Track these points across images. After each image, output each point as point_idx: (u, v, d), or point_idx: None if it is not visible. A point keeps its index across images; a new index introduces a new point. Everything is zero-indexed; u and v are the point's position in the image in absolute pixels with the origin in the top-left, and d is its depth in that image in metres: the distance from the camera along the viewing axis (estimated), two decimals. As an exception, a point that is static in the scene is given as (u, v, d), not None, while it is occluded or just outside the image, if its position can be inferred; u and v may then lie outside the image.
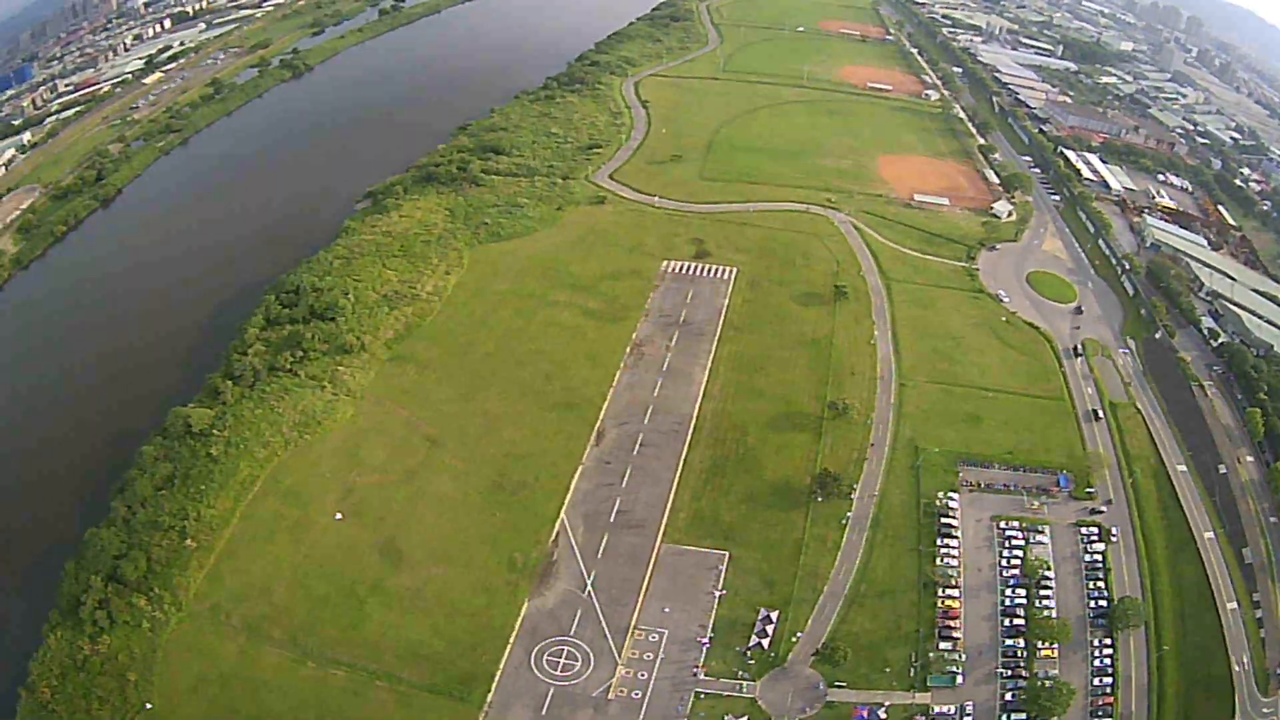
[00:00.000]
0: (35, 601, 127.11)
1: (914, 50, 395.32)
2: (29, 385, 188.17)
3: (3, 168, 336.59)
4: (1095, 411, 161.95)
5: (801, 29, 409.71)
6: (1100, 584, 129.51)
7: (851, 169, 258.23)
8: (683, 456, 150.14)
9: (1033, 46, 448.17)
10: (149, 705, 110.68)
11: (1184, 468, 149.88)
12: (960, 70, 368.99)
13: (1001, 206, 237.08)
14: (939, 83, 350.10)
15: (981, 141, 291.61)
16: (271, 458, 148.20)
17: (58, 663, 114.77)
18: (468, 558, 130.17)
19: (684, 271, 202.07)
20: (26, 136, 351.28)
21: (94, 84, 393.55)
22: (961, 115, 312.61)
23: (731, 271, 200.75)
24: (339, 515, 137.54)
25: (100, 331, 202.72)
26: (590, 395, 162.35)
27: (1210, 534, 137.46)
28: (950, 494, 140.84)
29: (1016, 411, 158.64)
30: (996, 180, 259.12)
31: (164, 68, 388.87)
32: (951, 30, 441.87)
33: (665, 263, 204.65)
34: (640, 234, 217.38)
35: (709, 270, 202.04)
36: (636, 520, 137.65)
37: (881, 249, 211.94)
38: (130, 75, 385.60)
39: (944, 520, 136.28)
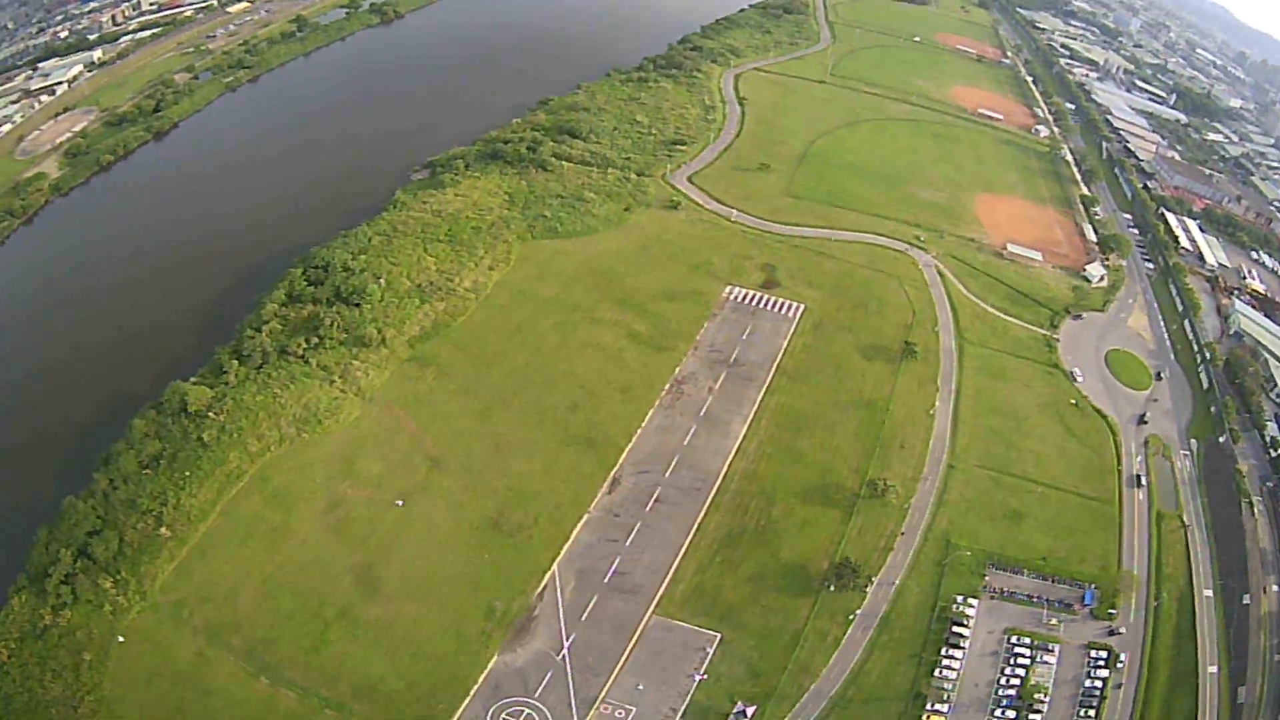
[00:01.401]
0: (9, 555, 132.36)
1: (1029, 78, 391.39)
2: (40, 321, 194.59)
3: (66, 84, 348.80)
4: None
5: (918, 39, 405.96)
6: (1092, 713, 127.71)
7: (947, 204, 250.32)
8: (698, 520, 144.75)
9: (1146, 91, 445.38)
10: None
11: (1210, 593, 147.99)
12: (1073, 107, 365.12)
13: (1095, 269, 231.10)
14: (1050, 118, 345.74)
15: (1085, 192, 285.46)
16: (264, 452, 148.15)
17: (17, 626, 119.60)
18: (445, 597, 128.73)
19: (747, 301, 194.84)
20: (98, 54, 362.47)
21: (177, 6, 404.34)
22: (1069, 158, 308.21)
23: (798, 309, 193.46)
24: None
25: (121, 277, 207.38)
26: (614, 434, 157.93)
27: (1214, 668, 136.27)
28: (970, 599, 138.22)
29: (1062, 512, 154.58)
30: (1094, 238, 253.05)
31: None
32: (1069, 62, 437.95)
33: (729, 288, 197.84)
34: (709, 250, 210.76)
35: (774, 304, 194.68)
36: (632, 585, 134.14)
37: (963, 303, 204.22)
38: (215, 1, 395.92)
39: (955, 629, 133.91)
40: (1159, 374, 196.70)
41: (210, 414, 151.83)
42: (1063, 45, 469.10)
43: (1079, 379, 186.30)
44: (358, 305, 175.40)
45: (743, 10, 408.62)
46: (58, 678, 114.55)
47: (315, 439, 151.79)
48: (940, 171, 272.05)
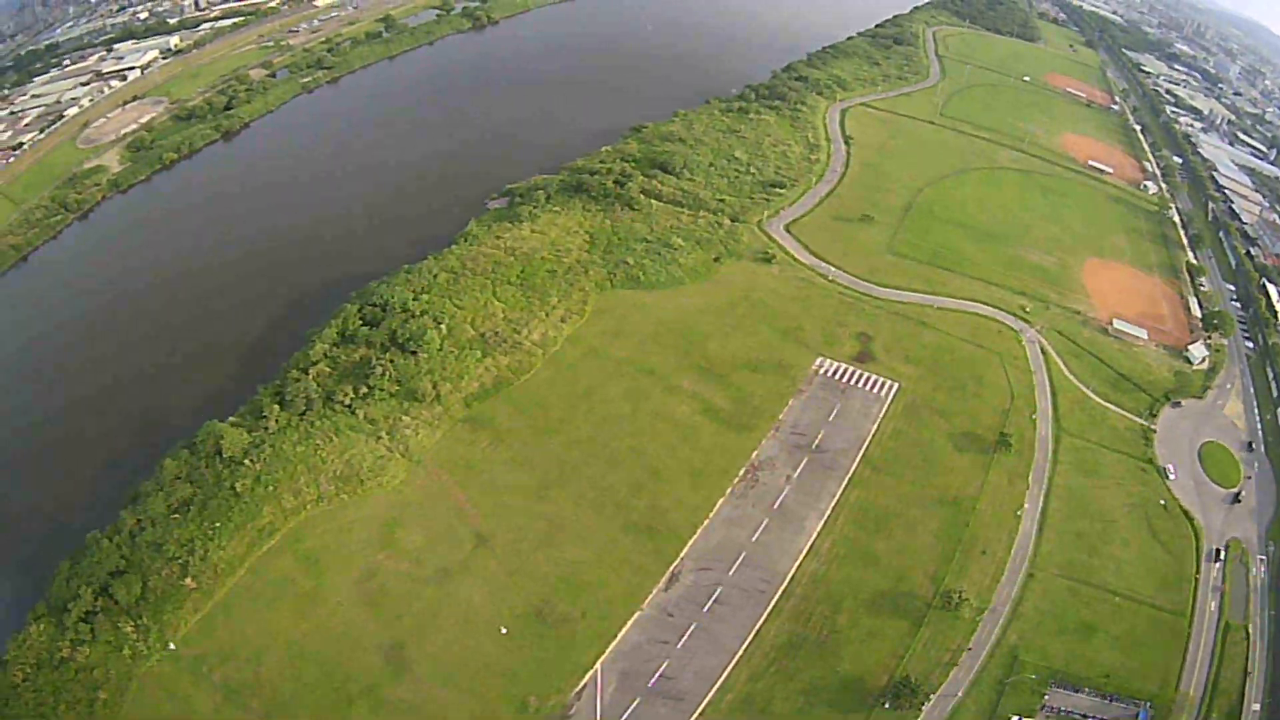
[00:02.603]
0: (30, 576, 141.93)
1: (1137, 127, 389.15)
2: (78, 332, 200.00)
3: (139, 70, 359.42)
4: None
5: (1028, 79, 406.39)
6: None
7: (1054, 269, 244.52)
8: (758, 626, 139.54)
9: (1248, 145, 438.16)
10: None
11: (1258, 706, 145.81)
12: (1180, 161, 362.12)
13: (1197, 350, 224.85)
14: (1158, 173, 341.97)
15: (1191, 259, 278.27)
16: (300, 510, 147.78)
17: (34, 653, 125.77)
18: (478, 687, 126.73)
19: (838, 376, 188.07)
20: (175, 40, 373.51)
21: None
22: (1176, 219, 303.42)
23: (891, 388, 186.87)
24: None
25: (167, 291, 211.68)
26: (679, 524, 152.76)
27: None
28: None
29: (1134, 625, 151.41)
30: (1198, 313, 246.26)
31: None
32: (1174, 110, 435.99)
33: (819, 360, 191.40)
34: (802, 314, 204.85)
35: (867, 381, 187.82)
36: (678, 691, 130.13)
37: (1063, 387, 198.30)
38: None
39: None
40: (1248, 474, 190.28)
41: (246, 461, 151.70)
42: (1167, 91, 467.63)
43: (1172, 475, 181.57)
44: (414, 353, 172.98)
45: (850, 38, 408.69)
46: (71, 710, 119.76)
47: (355, 500, 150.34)
48: (1049, 231, 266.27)
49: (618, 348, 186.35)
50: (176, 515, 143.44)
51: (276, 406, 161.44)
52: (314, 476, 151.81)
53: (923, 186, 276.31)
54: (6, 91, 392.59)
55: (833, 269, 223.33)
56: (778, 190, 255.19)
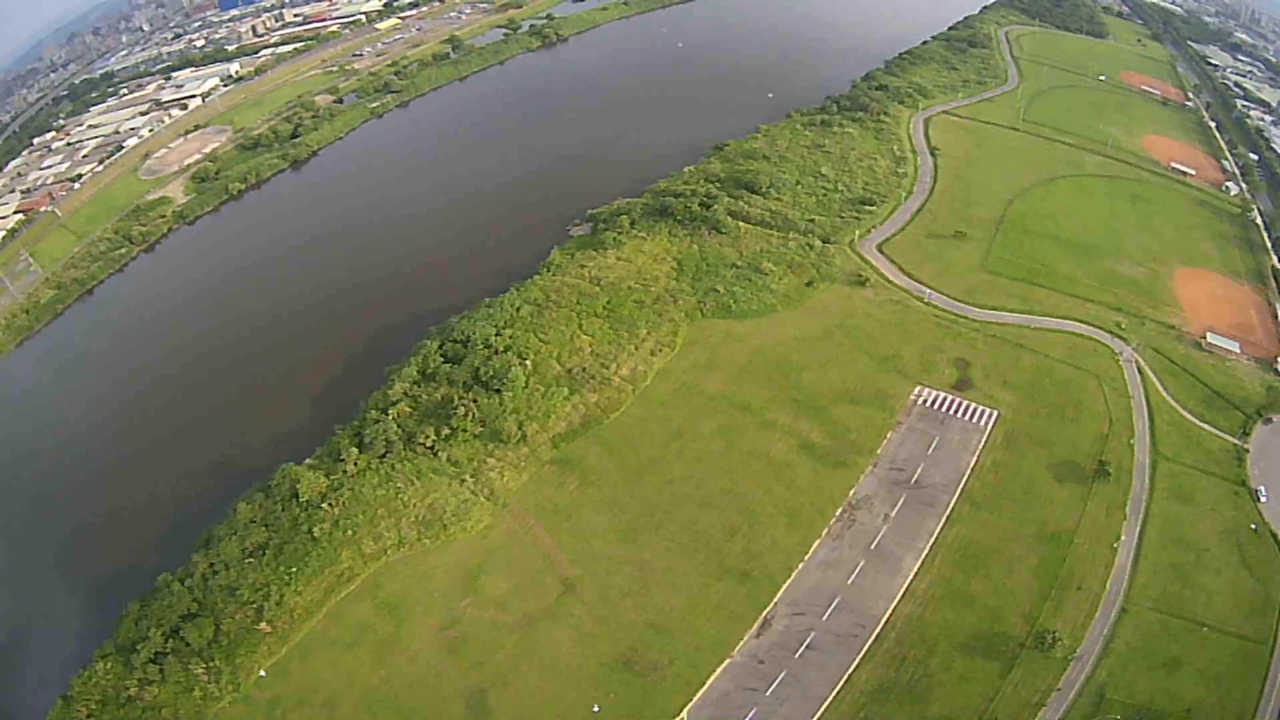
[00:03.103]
0: (98, 615, 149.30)
1: (1212, 124, 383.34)
2: (148, 371, 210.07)
3: (200, 98, 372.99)
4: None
5: (1103, 78, 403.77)
6: None
7: (1146, 281, 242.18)
8: (849, 672, 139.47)
9: None
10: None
11: None
12: (1256, 158, 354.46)
13: None
14: (1238, 172, 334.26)
15: (1276, 263, 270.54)
16: (380, 555, 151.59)
17: (100, 690, 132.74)
18: None
19: (937, 405, 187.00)
20: (235, 67, 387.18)
21: (323, 19, 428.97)
22: (1259, 220, 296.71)
23: (991, 416, 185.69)
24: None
25: (239, 327, 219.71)
26: (773, 568, 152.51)
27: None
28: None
29: (1218, 656, 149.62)
30: None
31: (403, 13, 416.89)
32: (1244, 104, 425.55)
33: (918, 389, 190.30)
34: (899, 339, 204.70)
35: (966, 410, 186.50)
36: None
37: (1160, 408, 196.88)
38: (363, 16, 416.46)
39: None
40: None
41: (324, 505, 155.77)
42: (1235, 84, 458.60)
43: (1263, 498, 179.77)
44: (498, 391, 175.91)
45: (925, 43, 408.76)
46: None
47: (438, 546, 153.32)
48: (1140, 241, 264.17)
49: (710, 381, 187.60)
50: (251, 559, 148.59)
51: (355, 449, 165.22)
52: (395, 521, 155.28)
53: (1012, 198, 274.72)
54: (62, 121, 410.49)
55: (929, 291, 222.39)
56: (867, 208, 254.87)
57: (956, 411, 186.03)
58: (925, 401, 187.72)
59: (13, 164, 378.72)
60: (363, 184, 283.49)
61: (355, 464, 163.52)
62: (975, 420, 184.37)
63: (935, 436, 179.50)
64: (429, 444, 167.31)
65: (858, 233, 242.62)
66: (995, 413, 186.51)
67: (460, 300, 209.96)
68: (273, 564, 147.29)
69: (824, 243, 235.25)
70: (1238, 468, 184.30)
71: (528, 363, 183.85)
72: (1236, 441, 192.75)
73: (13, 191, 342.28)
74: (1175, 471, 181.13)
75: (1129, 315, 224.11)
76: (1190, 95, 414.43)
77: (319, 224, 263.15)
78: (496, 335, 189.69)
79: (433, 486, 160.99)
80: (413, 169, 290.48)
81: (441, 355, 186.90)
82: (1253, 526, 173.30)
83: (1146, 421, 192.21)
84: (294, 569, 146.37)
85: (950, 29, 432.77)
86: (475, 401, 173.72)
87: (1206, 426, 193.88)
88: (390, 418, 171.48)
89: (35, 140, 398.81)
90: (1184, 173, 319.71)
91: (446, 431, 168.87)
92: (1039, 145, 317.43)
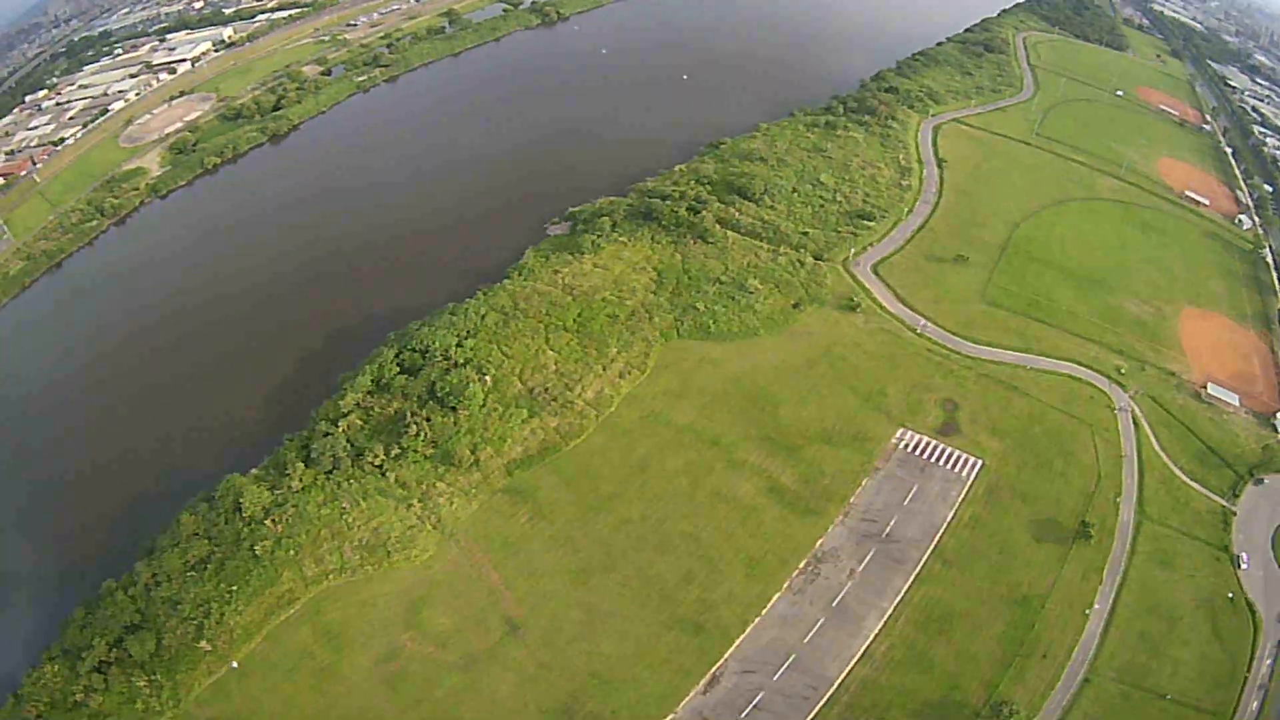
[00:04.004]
0: (45, 610, 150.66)
1: (1228, 150, 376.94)
2: (100, 357, 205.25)
3: (190, 63, 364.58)
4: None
5: (1121, 93, 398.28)
6: None
7: (1151, 320, 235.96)
8: None
9: None
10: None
11: None
12: (1271, 190, 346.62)
13: None
14: (1251, 204, 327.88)
15: None
16: (321, 578, 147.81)
17: (48, 692, 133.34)
18: None
19: (919, 450, 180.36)
20: (228, 32, 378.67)
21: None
22: (1270, 259, 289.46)
23: (974, 466, 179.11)
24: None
25: (196, 317, 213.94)
26: (727, 620, 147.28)
27: None
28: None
29: None
30: None
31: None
32: (1262, 130, 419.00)
33: (901, 431, 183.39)
34: (886, 374, 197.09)
35: (949, 457, 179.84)
36: None
37: (1151, 463, 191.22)
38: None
39: None
40: None
41: (267, 522, 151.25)
42: (1253, 109, 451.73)
43: (1244, 565, 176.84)
44: (454, 409, 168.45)
45: (940, 44, 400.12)
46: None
47: (380, 573, 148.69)
48: (1148, 275, 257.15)
49: (680, 411, 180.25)
50: (193, 573, 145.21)
51: (301, 464, 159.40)
52: (338, 544, 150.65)
53: (1019, 220, 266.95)
54: (55, 80, 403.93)
55: (923, 321, 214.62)
56: (866, 223, 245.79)
57: (939, 459, 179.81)
58: (907, 446, 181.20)
59: (2, 122, 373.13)
60: (338, 164, 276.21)
61: (301, 479, 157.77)
62: (958, 469, 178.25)
63: (914, 485, 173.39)
64: (378, 463, 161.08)
65: (853, 250, 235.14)
66: (980, 462, 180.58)
67: (425, 300, 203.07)
68: (214, 580, 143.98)
69: (816, 260, 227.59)
70: (1223, 532, 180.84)
71: (487, 379, 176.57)
72: (1225, 503, 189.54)
73: None
74: (1159, 534, 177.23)
75: (1130, 359, 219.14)
76: (1208, 117, 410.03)
77: (289, 205, 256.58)
78: (457, 346, 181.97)
79: (379, 509, 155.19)
80: (391, 149, 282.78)
81: (398, 365, 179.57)
82: (1229, 595, 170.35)
83: (1136, 478, 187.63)
84: (235, 587, 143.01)
85: (967, 31, 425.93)
86: (429, 419, 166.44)
87: (1196, 486, 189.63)
88: (340, 430, 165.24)
89: (27, 98, 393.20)
90: (1197, 201, 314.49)
91: (396, 451, 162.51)
92: (1051, 163, 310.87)
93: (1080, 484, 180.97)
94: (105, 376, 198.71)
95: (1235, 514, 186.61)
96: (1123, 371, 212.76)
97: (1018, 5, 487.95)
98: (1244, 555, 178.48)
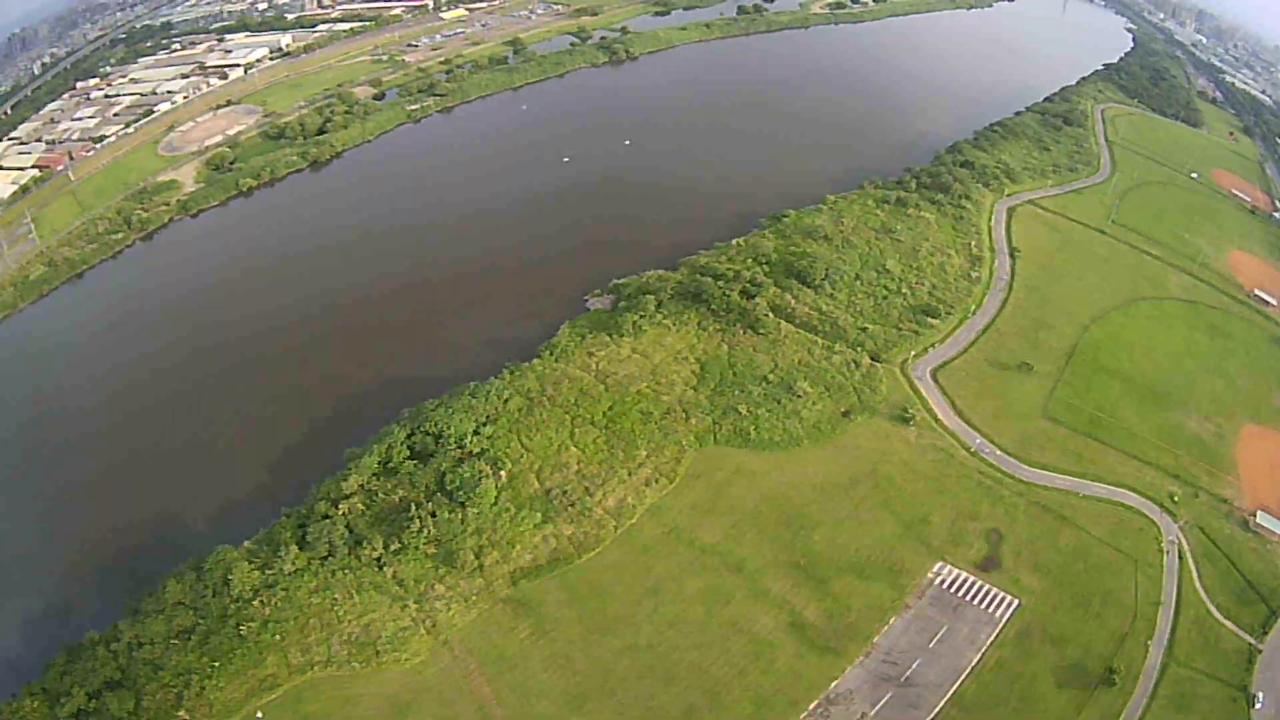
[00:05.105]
0: (25, 641, 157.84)
1: None
2: (112, 384, 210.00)
3: (242, 69, 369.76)
4: None
5: (1196, 175, 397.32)
6: None
7: (1211, 440, 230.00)
8: None
9: None
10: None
11: None
12: None
13: None
14: None
15: None
16: (306, 668, 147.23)
17: None
18: None
19: (954, 587, 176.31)
20: (286, 40, 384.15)
21: (385, 0, 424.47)
22: None
23: (1009, 606, 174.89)
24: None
25: (211, 361, 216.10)
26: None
27: None
28: None
29: None
30: None
31: (471, 4, 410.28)
32: None
33: (939, 565, 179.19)
34: (932, 499, 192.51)
35: (985, 595, 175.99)
36: None
37: (1188, 600, 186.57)
38: (429, 3, 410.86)
39: None
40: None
41: (255, 601, 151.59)
42: None
43: (1259, 704, 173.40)
44: (462, 505, 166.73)
45: (1018, 113, 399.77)
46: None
47: (367, 672, 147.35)
48: (1212, 387, 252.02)
49: (706, 529, 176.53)
50: (176, 641, 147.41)
51: (295, 546, 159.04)
52: (327, 634, 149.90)
53: (1089, 322, 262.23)
54: (109, 69, 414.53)
55: (978, 438, 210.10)
56: (930, 319, 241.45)
57: (975, 597, 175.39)
58: (943, 582, 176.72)
59: (50, 106, 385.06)
60: (376, 203, 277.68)
61: (294, 562, 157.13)
62: (992, 610, 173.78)
63: (944, 625, 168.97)
64: (376, 555, 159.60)
65: (913, 352, 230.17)
66: (1016, 602, 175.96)
67: (448, 372, 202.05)
68: (197, 651, 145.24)
69: (873, 360, 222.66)
70: (1245, 671, 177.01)
71: (502, 474, 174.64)
72: (1252, 641, 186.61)
73: (39, 140, 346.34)
74: (1182, 677, 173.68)
75: (1185, 484, 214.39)
76: (1278, 205, 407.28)
77: (318, 244, 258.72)
78: (474, 434, 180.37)
79: (372, 605, 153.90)
80: (432, 190, 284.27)
81: (408, 448, 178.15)
82: None
83: (1171, 617, 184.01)
84: (217, 663, 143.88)
85: (1046, 100, 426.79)
86: (434, 515, 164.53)
87: (1228, 623, 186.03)
88: (340, 513, 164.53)
89: (78, 84, 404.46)
90: (1265, 301, 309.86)
91: (396, 546, 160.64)
92: (1125, 255, 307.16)
93: (1115, 625, 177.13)
94: (106, 411, 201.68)
95: (1261, 651, 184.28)
96: (1176, 500, 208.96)
97: (1096, 73, 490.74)
98: (1260, 694, 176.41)
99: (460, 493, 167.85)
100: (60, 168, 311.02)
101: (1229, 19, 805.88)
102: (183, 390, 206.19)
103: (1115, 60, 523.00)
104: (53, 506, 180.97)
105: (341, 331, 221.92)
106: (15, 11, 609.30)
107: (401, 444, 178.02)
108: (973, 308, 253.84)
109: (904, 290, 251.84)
